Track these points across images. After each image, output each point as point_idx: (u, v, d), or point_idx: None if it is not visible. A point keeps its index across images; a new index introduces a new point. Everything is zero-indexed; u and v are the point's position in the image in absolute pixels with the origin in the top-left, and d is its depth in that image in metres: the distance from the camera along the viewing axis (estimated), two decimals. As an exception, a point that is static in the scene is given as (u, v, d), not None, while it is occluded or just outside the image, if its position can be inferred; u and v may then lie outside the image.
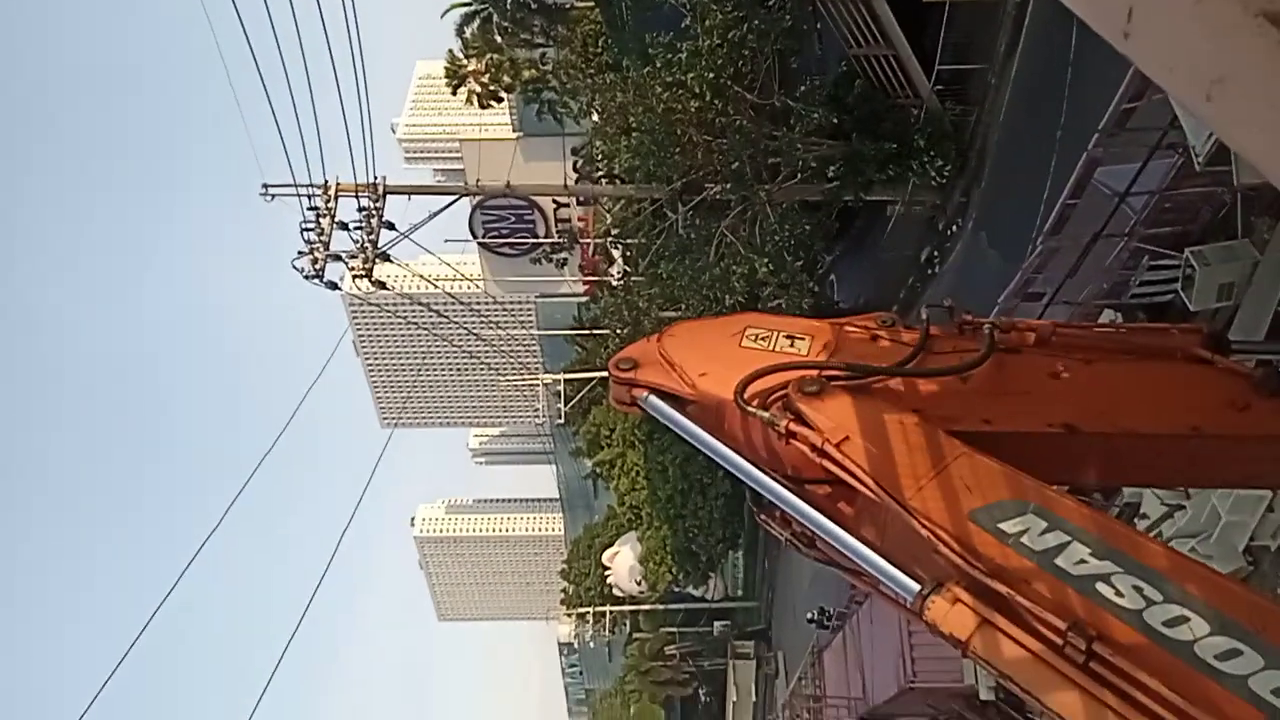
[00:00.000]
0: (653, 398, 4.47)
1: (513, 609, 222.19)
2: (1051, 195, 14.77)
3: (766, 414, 3.97)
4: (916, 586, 3.44)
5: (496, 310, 44.91)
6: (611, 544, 60.80)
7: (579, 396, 47.55)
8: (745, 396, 4.10)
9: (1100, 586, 3.12)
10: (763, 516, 4.61)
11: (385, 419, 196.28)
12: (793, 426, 3.89)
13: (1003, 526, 3.41)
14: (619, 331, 26.29)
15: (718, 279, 20.95)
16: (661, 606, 63.03)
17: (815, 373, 4.13)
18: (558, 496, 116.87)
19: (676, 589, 61.31)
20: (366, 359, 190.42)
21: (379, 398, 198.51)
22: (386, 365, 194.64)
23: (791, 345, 4.48)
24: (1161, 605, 3.02)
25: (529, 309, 70.67)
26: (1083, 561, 3.21)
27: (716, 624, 65.09)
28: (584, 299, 47.81)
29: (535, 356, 58.48)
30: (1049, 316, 14.12)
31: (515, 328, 50.23)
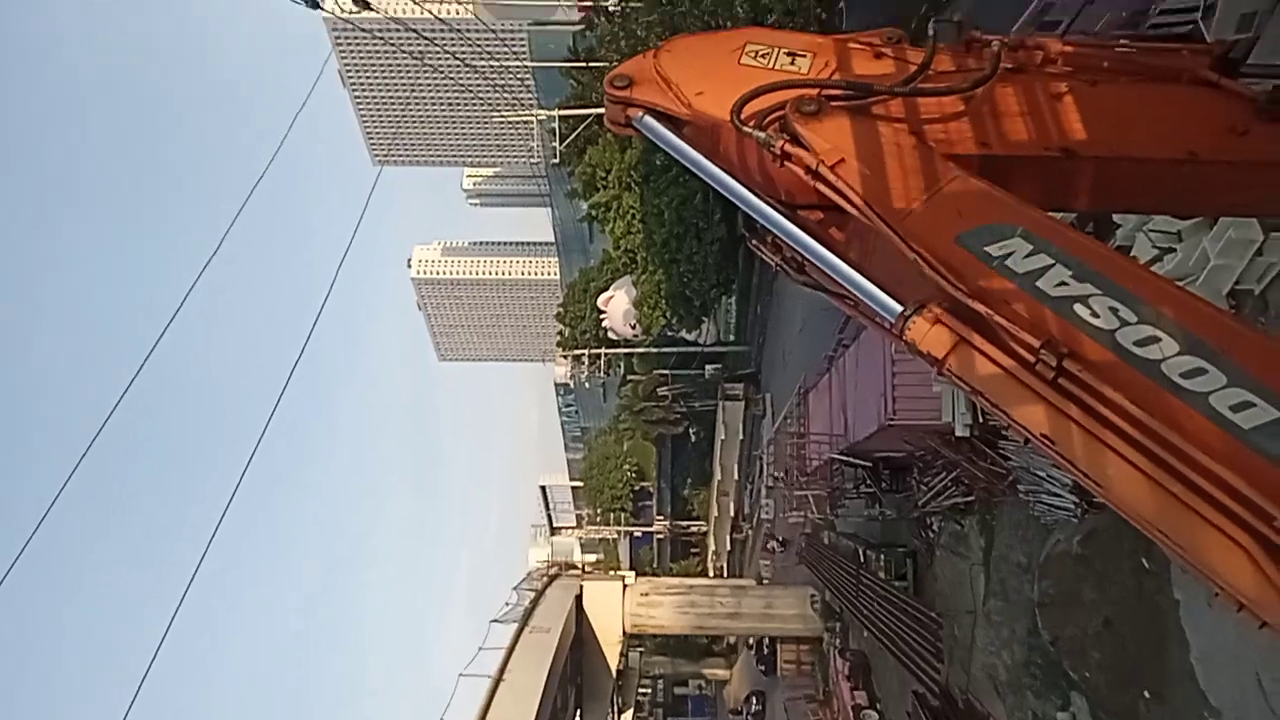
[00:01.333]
0: (648, 118, 4.33)
1: (510, 350, 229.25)
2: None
3: (762, 135, 3.86)
4: (899, 307, 3.51)
5: (489, 39, 42.60)
6: (606, 288, 61.66)
7: (574, 134, 46.28)
8: (741, 116, 3.97)
9: (1077, 307, 3.19)
10: (754, 242, 4.62)
11: (376, 155, 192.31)
12: (788, 148, 3.80)
13: (988, 249, 3.42)
14: (616, 62, 25.11)
15: (720, 4, 19.76)
16: (655, 350, 64.95)
17: (814, 92, 3.98)
18: (553, 240, 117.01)
19: (670, 333, 62.92)
20: (354, 90, 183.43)
21: (368, 132, 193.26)
22: (375, 98, 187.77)
23: (792, 63, 4.27)
24: (1135, 326, 3.10)
25: (522, 38, 67.15)
26: (1063, 284, 3.27)
27: (708, 367, 67.54)
28: (579, 28, 45.32)
29: (529, 91, 56.27)
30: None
31: (508, 58, 47.90)
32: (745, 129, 3.90)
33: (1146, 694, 14.03)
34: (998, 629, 20.35)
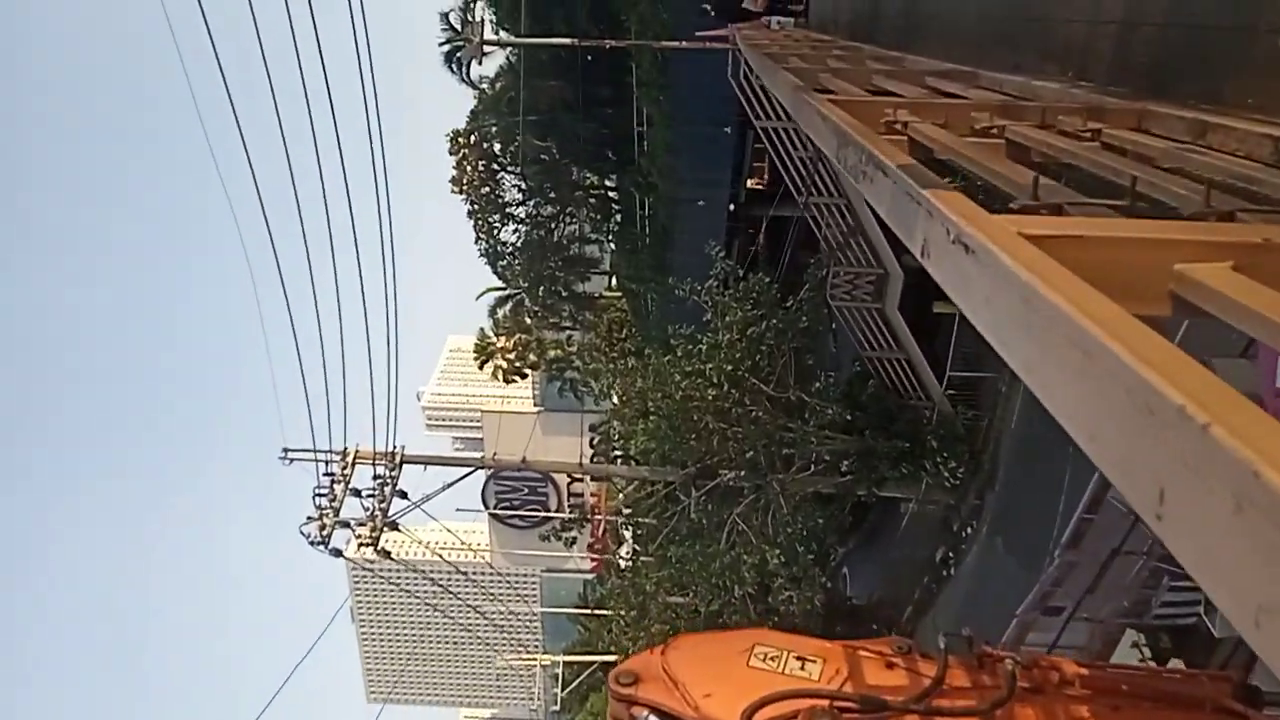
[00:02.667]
0: (653, 717, 4.19)
1: None
2: (1068, 507, 14.66)
3: (774, 751, 3.68)
4: None
5: (500, 583, 43.83)
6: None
7: (578, 680, 45.11)
8: None
9: None
10: None
11: (372, 693, 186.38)
12: (802, 770, 3.59)
13: None
14: (624, 615, 25.40)
15: (728, 567, 20.49)
16: None
17: (826, 703, 3.87)
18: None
19: None
20: (362, 628, 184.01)
21: (369, 670, 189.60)
22: (381, 635, 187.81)
23: (802, 668, 4.24)
24: None
25: (534, 583, 69.00)
26: None
27: None
28: (590, 576, 46.76)
29: (536, 634, 56.24)
30: (1069, 633, 13.53)
31: (518, 603, 48.73)
32: None
33: None
34: None
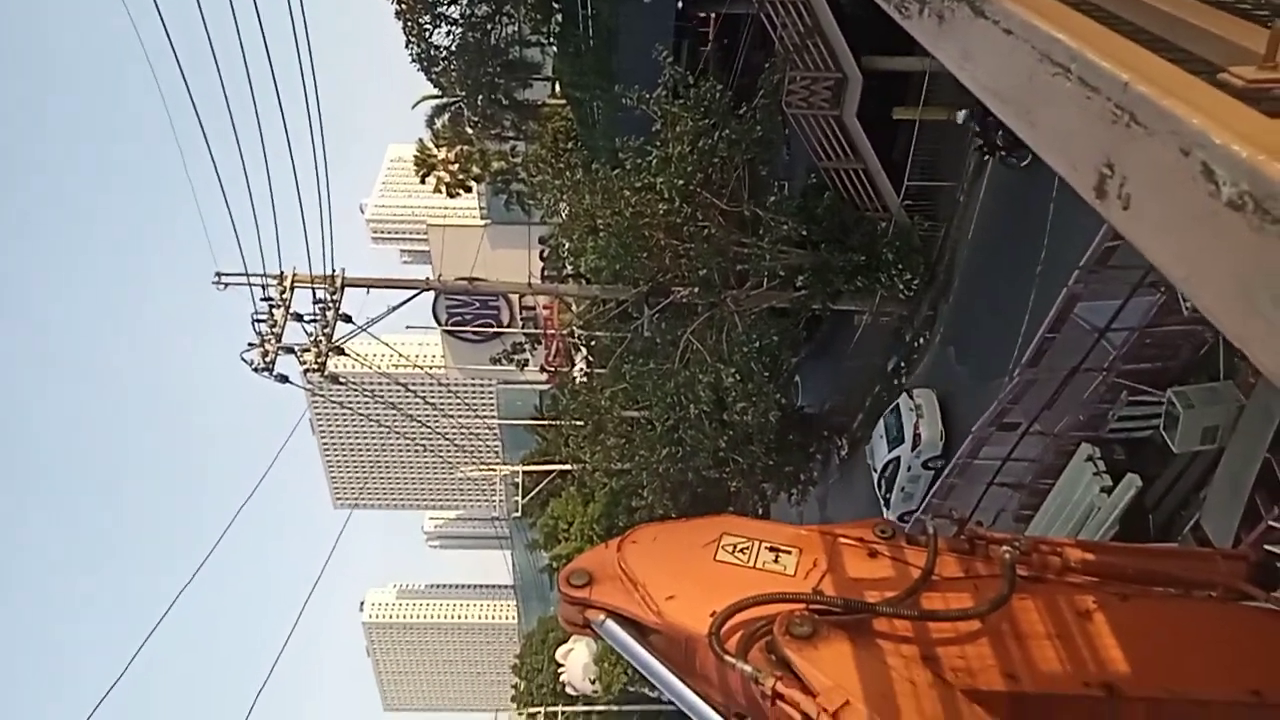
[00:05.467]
0: (609, 623, 3.77)
1: (462, 699, 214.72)
2: (1031, 327, 14.48)
3: (749, 668, 3.29)
4: None
5: (457, 394, 44.05)
6: (566, 640, 58.88)
7: (538, 488, 46.38)
8: (722, 635, 3.43)
9: None
10: None
11: (339, 500, 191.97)
12: (780, 688, 3.21)
13: None
14: (580, 429, 25.56)
15: (683, 385, 20.38)
16: (616, 708, 60.80)
17: (804, 608, 3.48)
18: (511, 583, 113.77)
19: (631, 689, 59.31)
20: (323, 438, 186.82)
21: (334, 478, 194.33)
22: (343, 445, 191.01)
23: (776, 560, 3.82)
24: None
25: (490, 395, 69.71)
26: None
27: (674, 727, 63.02)
28: (546, 387, 47.12)
29: (495, 444, 57.31)
30: (1023, 447, 13.67)
31: (475, 415, 49.21)
32: (728, 657, 3.33)
33: None
34: None
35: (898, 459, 21.36)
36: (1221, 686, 3.35)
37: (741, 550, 3.84)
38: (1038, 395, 12.58)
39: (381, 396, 27.86)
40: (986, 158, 18.62)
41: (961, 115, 18.59)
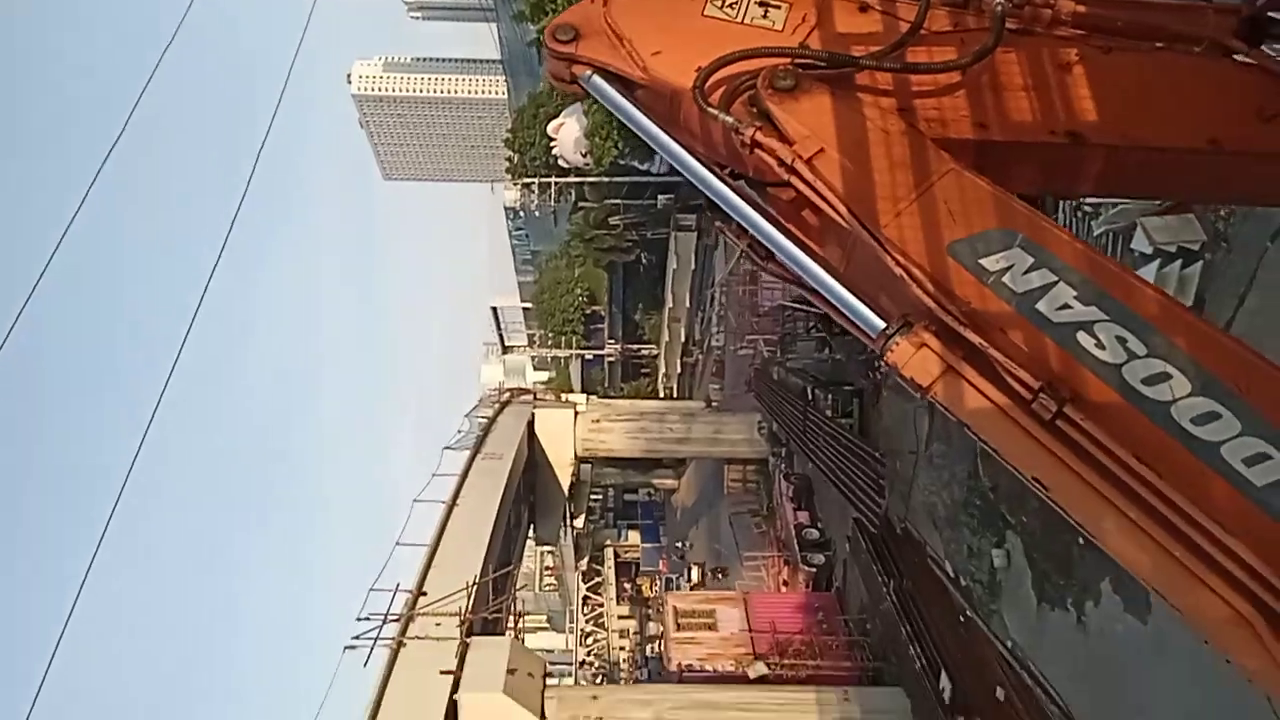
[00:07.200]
0: (596, 78, 3.80)
1: (458, 171, 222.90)
2: None
3: (730, 119, 3.42)
4: (881, 324, 3.22)
5: None
6: (557, 114, 59.34)
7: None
8: (706, 89, 3.50)
9: (1081, 336, 2.92)
10: (718, 224, 4.21)
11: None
12: (759, 137, 3.37)
13: (984, 263, 3.10)
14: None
15: None
16: (607, 179, 63.53)
17: (787, 61, 3.50)
18: (499, 58, 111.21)
19: (621, 162, 61.37)
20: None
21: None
22: None
23: (765, 14, 3.74)
24: (1144, 359, 2.85)
25: None
26: (1066, 306, 2.97)
27: (660, 197, 66.30)
28: None
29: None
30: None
31: None
32: (710, 109, 3.44)
33: (1080, 541, 14.75)
34: (939, 470, 21.04)
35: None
36: (1179, 135, 3.53)
37: (730, 6, 3.75)
38: None
39: None
40: None
41: None
